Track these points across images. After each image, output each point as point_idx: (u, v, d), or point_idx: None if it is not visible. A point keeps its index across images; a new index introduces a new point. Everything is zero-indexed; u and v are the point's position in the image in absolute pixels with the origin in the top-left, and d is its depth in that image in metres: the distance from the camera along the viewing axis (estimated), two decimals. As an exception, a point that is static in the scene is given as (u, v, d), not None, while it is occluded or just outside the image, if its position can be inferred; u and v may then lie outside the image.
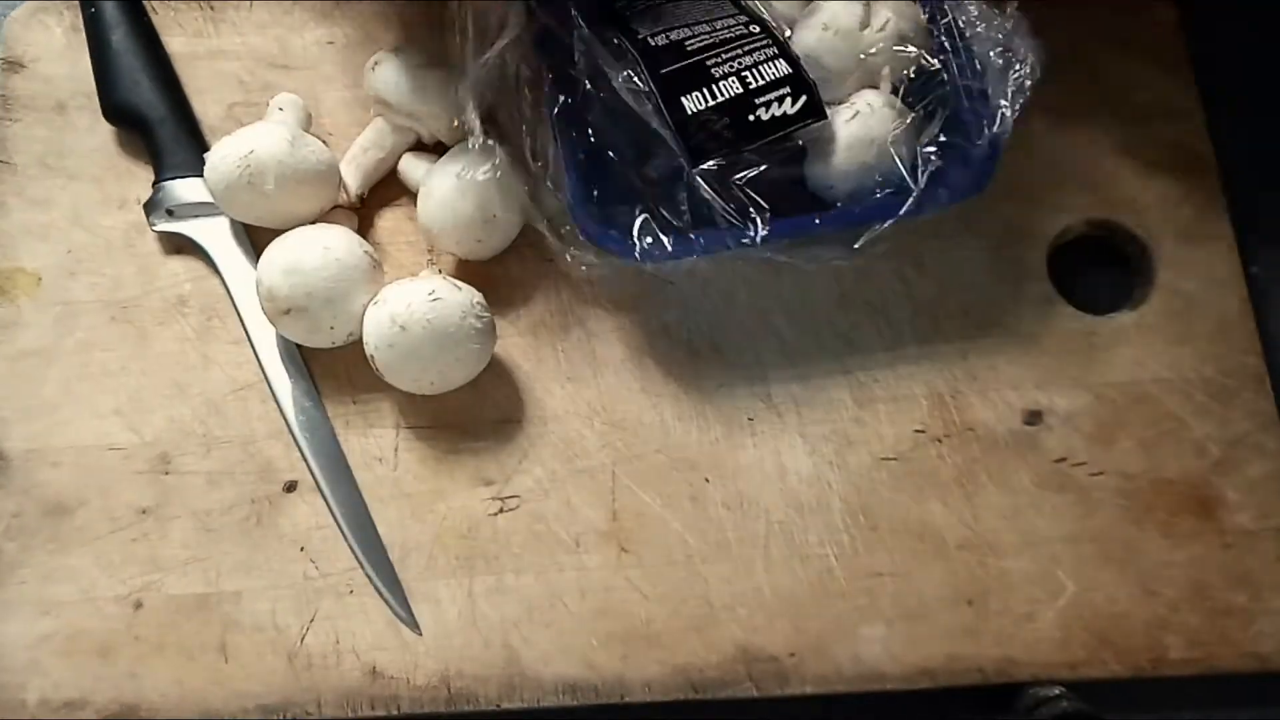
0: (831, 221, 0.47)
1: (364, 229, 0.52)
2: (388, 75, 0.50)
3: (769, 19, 0.49)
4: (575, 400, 0.49)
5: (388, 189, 0.53)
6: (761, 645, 0.46)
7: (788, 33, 0.49)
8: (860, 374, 0.49)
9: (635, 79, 0.46)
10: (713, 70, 0.46)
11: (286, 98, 0.52)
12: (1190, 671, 0.46)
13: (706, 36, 0.47)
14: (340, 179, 0.51)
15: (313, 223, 0.49)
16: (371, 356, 0.46)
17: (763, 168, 0.45)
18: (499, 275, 0.51)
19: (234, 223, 0.51)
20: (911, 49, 0.47)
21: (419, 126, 0.51)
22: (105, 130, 0.53)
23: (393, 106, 0.50)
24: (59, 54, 0.55)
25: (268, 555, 0.47)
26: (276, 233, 0.48)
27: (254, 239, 0.51)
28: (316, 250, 0.46)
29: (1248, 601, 0.47)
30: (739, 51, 0.47)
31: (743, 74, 0.46)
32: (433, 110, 0.50)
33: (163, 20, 0.55)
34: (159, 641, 0.46)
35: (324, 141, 0.53)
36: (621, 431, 0.49)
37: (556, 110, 0.47)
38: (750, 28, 0.48)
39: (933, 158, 0.45)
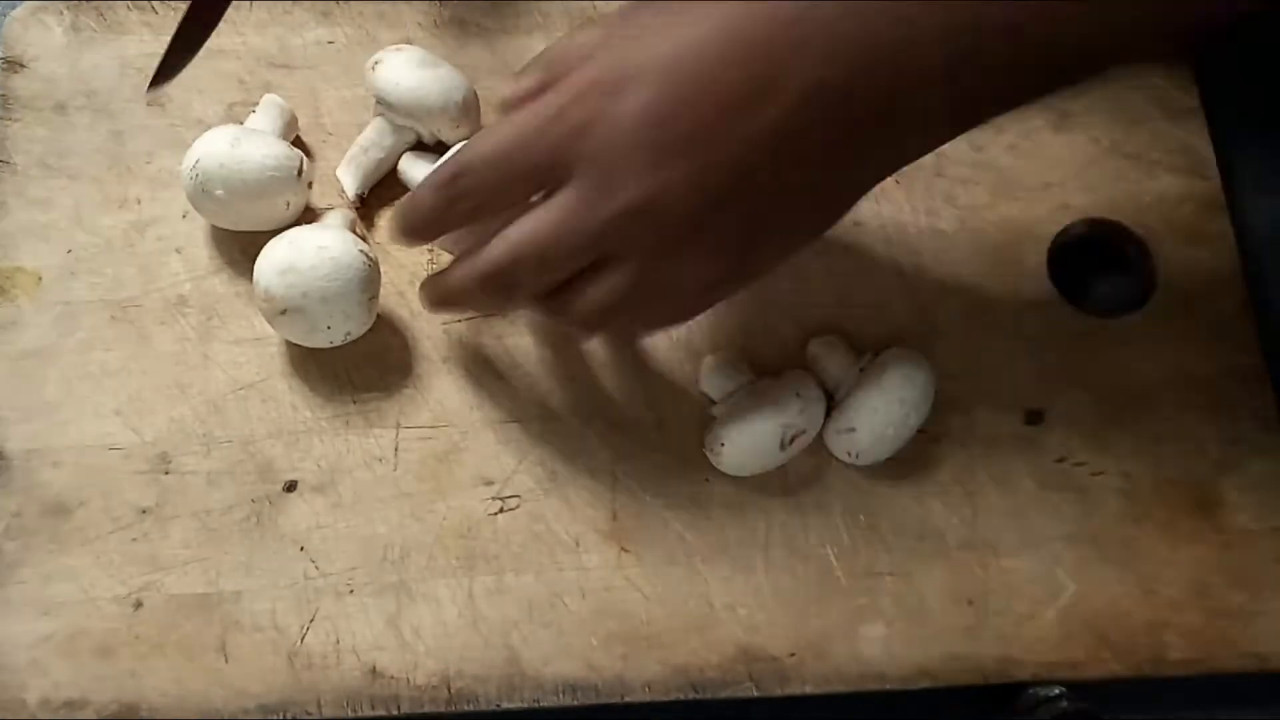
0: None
1: (364, 228, 0.52)
2: (389, 75, 0.50)
3: None
4: (575, 400, 0.49)
5: (388, 189, 0.53)
6: (761, 645, 0.46)
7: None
8: (860, 374, 0.49)
9: None
10: None
11: (266, 99, 0.52)
12: (1190, 671, 0.46)
13: None
14: (306, 176, 0.50)
15: (301, 222, 0.50)
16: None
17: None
18: (499, 275, 0.51)
19: None
20: None
21: (419, 126, 0.51)
22: (105, 130, 0.53)
23: (394, 106, 0.50)
24: (59, 54, 0.55)
25: (268, 555, 0.47)
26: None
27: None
28: (311, 250, 0.46)
29: (1248, 601, 0.47)
30: None
31: None
32: (433, 110, 0.50)
33: (163, 19, 0.55)
34: (159, 641, 0.46)
35: (323, 141, 0.53)
36: (621, 431, 0.49)
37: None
38: None
39: None
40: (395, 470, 0.48)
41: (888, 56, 0.34)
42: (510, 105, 0.40)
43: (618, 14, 0.39)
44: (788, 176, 0.36)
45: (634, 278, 0.38)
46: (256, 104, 0.52)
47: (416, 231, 0.42)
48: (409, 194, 0.43)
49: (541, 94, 0.38)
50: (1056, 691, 0.45)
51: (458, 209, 0.40)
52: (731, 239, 0.37)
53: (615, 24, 0.39)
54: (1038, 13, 0.33)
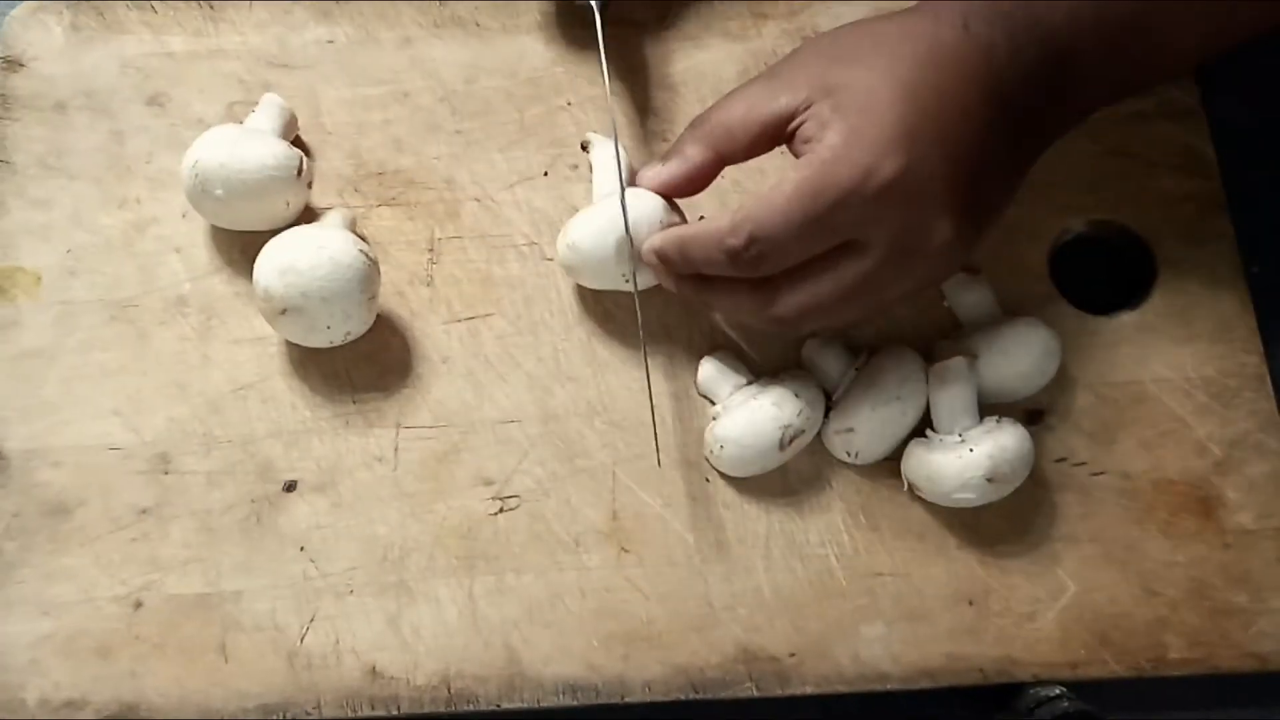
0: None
1: (363, 228, 0.52)
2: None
3: None
4: (575, 400, 0.49)
5: (387, 188, 0.53)
6: (762, 645, 0.46)
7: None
8: (860, 374, 0.49)
9: None
10: None
11: (266, 98, 0.52)
12: (1190, 671, 0.46)
13: None
14: (306, 175, 0.49)
15: (301, 222, 0.50)
16: None
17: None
18: (499, 275, 0.51)
19: None
20: None
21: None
22: (105, 130, 0.53)
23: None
24: (59, 53, 0.55)
25: (268, 555, 0.47)
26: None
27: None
28: (311, 250, 0.46)
29: (1248, 601, 0.47)
30: None
31: None
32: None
33: (162, 19, 0.55)
34: (159, 641, 0.46)
35: (323, 141, 0.53)
36: (621, 431, 0.49)
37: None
38: None
39: None
40: (395, 470, 0.48)
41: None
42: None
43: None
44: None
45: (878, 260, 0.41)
46: (256, 104, 0.52)
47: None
48: (687, 239, 0.44)
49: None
50: (1057, 691, 0.45)
51: (748, 271, 0.42)
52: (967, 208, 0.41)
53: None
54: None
